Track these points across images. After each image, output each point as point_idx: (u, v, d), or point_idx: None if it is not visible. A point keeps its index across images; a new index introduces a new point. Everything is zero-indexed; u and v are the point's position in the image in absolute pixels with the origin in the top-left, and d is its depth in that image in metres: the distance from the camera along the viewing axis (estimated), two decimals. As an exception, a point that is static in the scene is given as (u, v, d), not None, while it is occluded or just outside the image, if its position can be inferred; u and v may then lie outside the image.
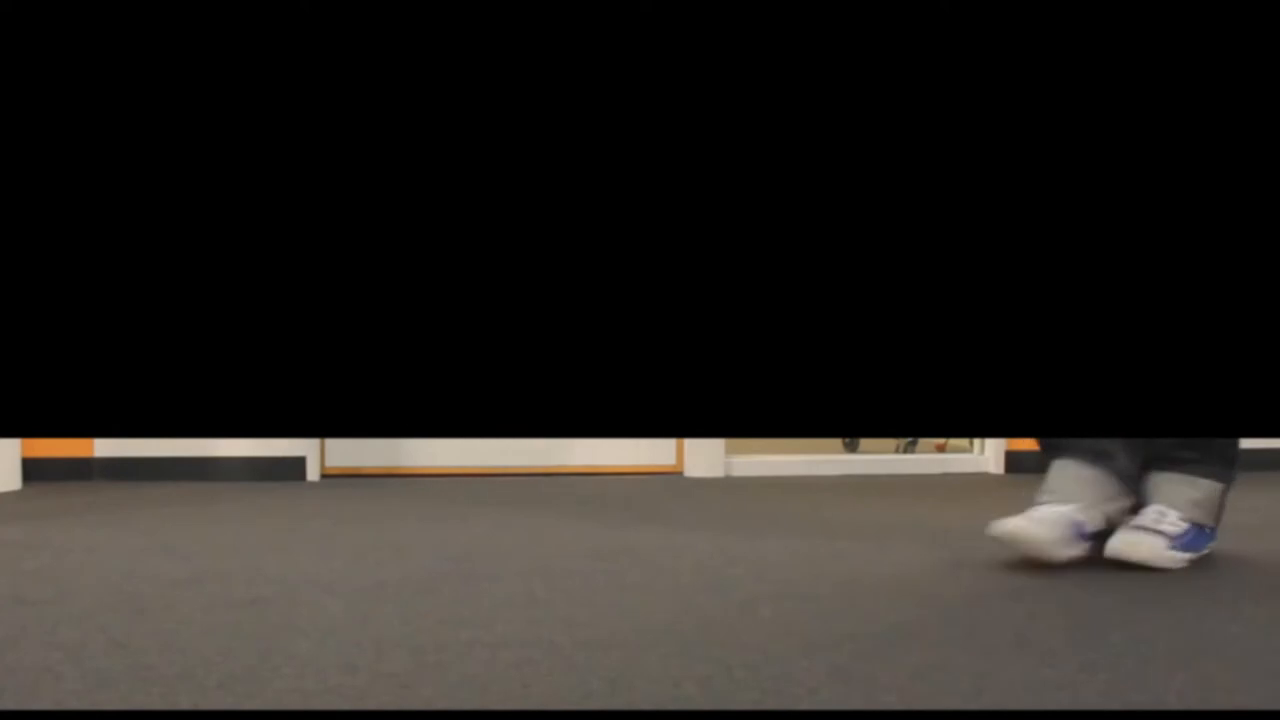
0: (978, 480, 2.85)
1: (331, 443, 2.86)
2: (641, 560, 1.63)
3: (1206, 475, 1.63)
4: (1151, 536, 1.55)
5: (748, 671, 1.04)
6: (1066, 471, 1.64)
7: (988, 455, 3.05)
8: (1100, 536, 1.59)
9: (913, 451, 3.51)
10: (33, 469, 2.68)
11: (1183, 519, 1.58)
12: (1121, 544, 1.56)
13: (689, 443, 2.93)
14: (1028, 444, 2.99)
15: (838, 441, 3.68)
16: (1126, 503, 1.64)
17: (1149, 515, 1.59)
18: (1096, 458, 1.63)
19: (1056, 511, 1.58)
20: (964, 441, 3.33)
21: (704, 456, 2.92)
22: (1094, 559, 1.65)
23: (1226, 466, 1.65)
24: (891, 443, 3.70)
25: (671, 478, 2.87)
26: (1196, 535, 1.59)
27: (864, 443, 3.65)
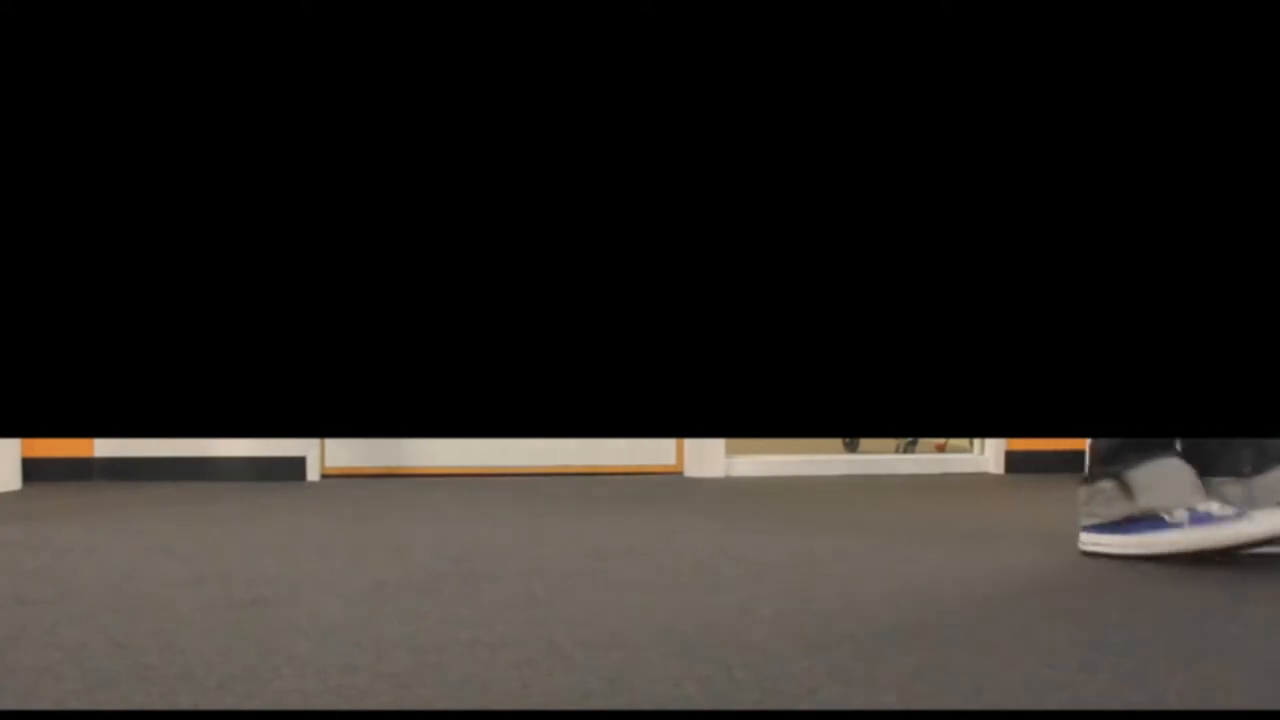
0: (978, 480, 2.85)
1: (331, 443, 2.86)
2: (641, 560, 1.63)
3: None
4: None
5: (748, 671, 1.04)
6: (1179, 469, 1.65)
7: (988, 455, 3.05)
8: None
9: (913, 451, 3.51)
10: (33, 469, 2.68)
11: None
12: None
13: (689, 443, 2.93)
14: (1028, 444, 2.99)
15: (838, 441, 3.69)
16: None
17: None
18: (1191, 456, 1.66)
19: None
20: (964, 441, 3.33)
21: (704, 456, 2.92)
22: (1094, 559, 1.65)
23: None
24: (891, 443, 3.70)
25: (671, 478, 2.87)
26: None
27: (864, 443, 3.66)
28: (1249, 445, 1.67)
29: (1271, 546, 1.58)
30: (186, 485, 2.63)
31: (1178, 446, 1.66)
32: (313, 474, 2.80)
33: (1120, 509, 1.64)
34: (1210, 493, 1.65)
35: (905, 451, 3.52)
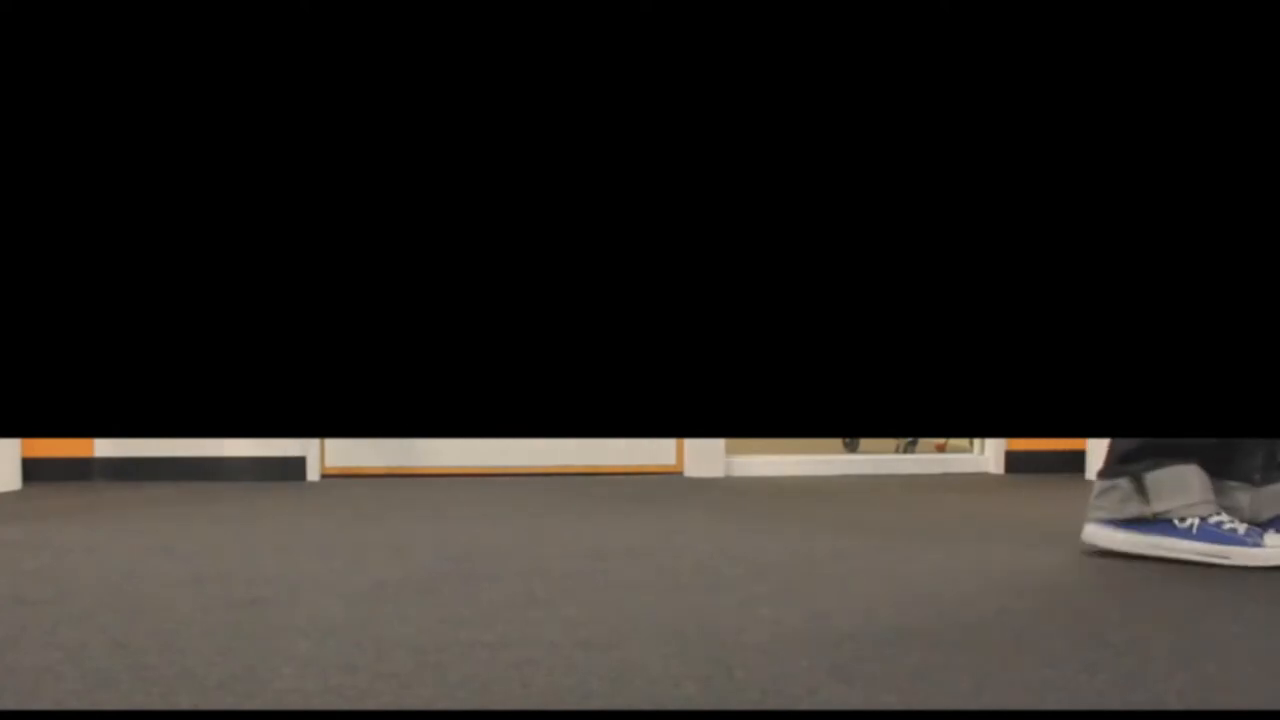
0: (978, 480, 2.85)
1: (331, 443, 2.86)
2: (641, 560, 1.63)
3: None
4: None
5: (748, 671, 1.04)
6: (1195, 478, 1.66)
7: (988, 455, 3.05)
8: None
9: (913, 451, 3.51)
10: (33, 469, 2.69)
11: None
12: None
13: (689, 443, 2.93)
14: (1028, 444, 2.99)
15: (838, 441, 3.69)
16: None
17: None
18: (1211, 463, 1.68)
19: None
20: (964, 441, 3.33)
21: (704, 456, 2.92)
22: (1095, 559, 1.65)
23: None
24: (891, 443, 3.70)
25: (671, 478, 2.87)
26: None
27: (864, 443, 3.66)
28: (1262, 451, 1.68)
29: None
30: (186, 485, 2.63)
31: (1196, 452, 1.67)
32: (313, 474, 2.80)
33: (1133, 509, 1.65)
34: (1221, 495, 1.66)
35: (905, 451, 3.52)
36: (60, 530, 1.94)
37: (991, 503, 2.37)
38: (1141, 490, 1.65)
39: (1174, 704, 0.95)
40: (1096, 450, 2.78)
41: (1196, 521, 1.62)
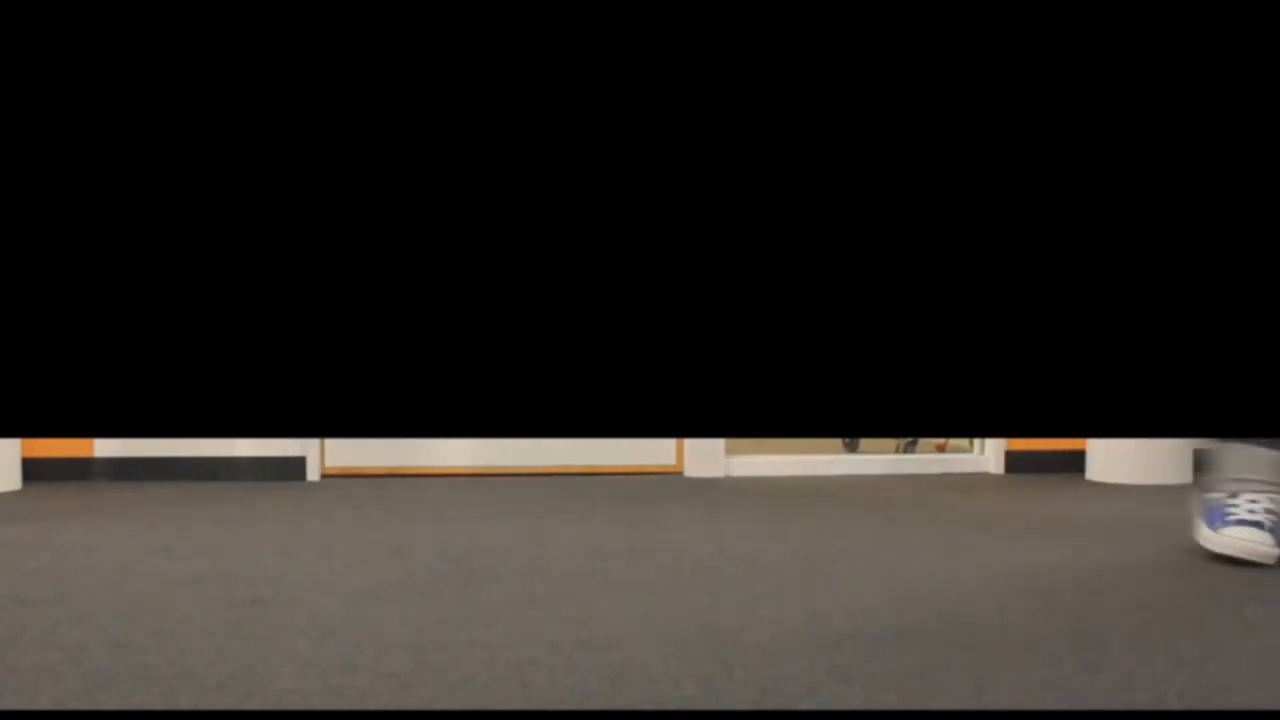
0: (978, 480, 2.85)
1: (331, 443, 2.86)
2: (641, 560, 1.63)
3: None
4: None
5: (748, 671, 1.04)
6: (1254, 456, 1.66)
7: (988, 455, 3.05)
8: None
9: (913, 451, 3.51)
10: (33, 469, 2.68)
11: None
12: None
13: (689, 443, 2.93)
14: (1028, 444, 2.99)
15: (838, 441, 3.68)
16: None
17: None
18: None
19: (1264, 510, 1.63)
20: (964, 441, 3.33)
21: (704, 456, 2.92)
22: (1089, 559, 1.65)
23: None
24: (891, 443, 3.70)
25: (671, 478, 2.87)
26: None
27: (864, 443, 3.65)
28: None
29: None
30: (186, 485, 2.63)
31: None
32: (313, 474, 2.80)
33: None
34: None
35: (905, 451, 3.52)
36: (60, 530, 1.94)
37: (991, 503, 2.37)
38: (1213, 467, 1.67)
39: (1174, 704, 0.95)
40: (1096, 450, 2.78)
41: (1222, 496, 1.64)
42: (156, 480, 2.72)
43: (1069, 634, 1.19)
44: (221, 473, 2.75)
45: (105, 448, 2.74)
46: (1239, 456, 1.65)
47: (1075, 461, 2.94)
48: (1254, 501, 1.62)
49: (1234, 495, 1.64)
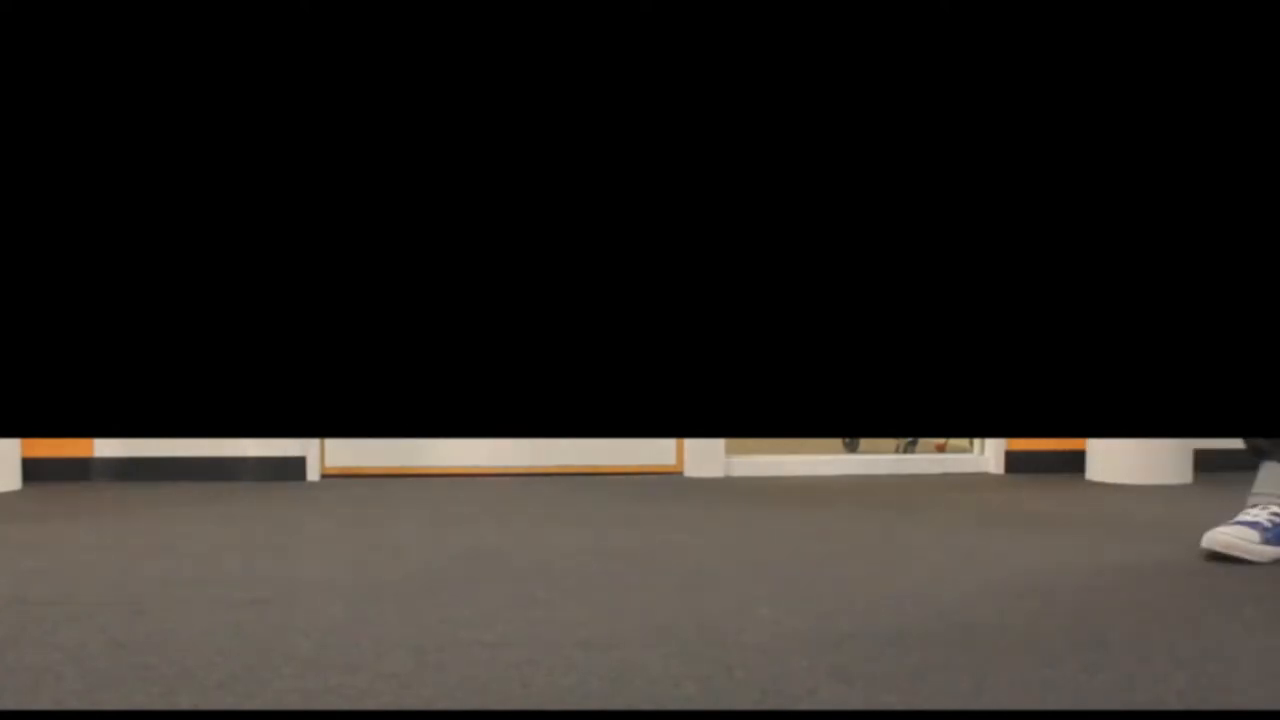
0: (978, 480, 2.85)
1: (331, 443, 2.86)
2: (641, 560, 1.63)
3: None
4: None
5: (748, 671, 1.04)
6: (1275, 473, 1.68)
7: (988, 455, 3.05)
8: None
9: (913, 451, 3.51)
10: (33, 469, 2.68)
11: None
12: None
13: (689, 443, 2.93)
14: (1028, 444, 2.99)
15: (838, 441, 3.68)
16: None
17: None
18: None
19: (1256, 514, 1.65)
20: (964, 441, 3.33)
21: (704, 456, 2.92)
22: (1089, 559, 1.65)
23: None
24: (891, 443, 3.70)
25: (671, 478, 2.87)
26: None
27: (864, 443, 3.65)
28: None
29: None
30: (186, 485, 2.63)
31: None
32: (313, 474, 2.80)
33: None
34: None
35: (905, 451, 3.52)
36: (60, 530, 1.94)
37: (991, 503, 2.37)
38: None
39: (1174, 704, 0.95)
40: (1096, 450, 2.78)
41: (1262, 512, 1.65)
42: (156, 480, 2.72)
43: (1069, 634, 1.19)
44: (221, 473, 2.75)
45: (105, 448, 2.74)
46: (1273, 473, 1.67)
47: (1075, 461, 2.94)
48: (1262, 509, 1.64)
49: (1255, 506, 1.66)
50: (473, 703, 0.95)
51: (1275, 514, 1.63)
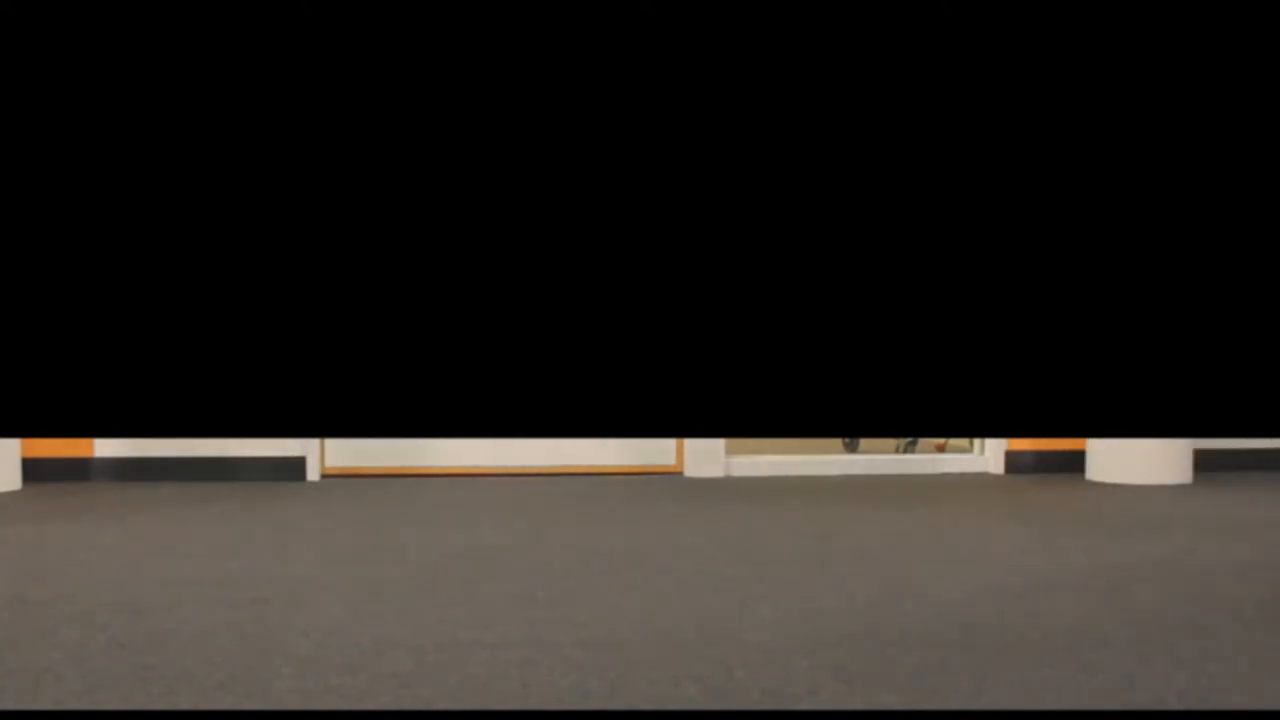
0: (978, 480, 2.85)
1: (331, 443, 2.86)
2: (642, 561, 1.63)
3: None
4: None
5: (748, 671, 1.04)
6: None
7: (988, 455, 3.05)
8: None
9: (913, 451, 3.51)
10: (33, 469, 2.68)
11: None
12: None
13: (689, 443, 2.93)
14: (1028, 444, 2.99)
15: (838, 441, 3.68)
16: None
17: None
18: None
19: None
20: (964, 441, 3.33)
21: (704, 456, 2.92)
22: (1088, 559, 1.65)
23: None
24: (891, 443, 3.70)
25: (671, 478, 2.87)
26: None
27: (864, 443, 3.65)
28: None
29: None
30: (186, 485, 2.63)
31: None
32: (313, 474, 2.80)
33: None
34: None
35: (905, 451, 3.52)
36: (60, 530, 1.94)
37: (991, 503, 2.37)
38: None
39: (1174, 704, 0.95)
40: (1096, 450, 2.78)
41: None
42: (156, 480, 2.72)
43: (1069, 634, 1.19)
44: (222, 473, 2.75)
45: (105, 448, 2.74)
46: None
47: (1075, 461, 2.94)
48: None
49: None
50: (473, 703, 0.95)
51: None
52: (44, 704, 0.95)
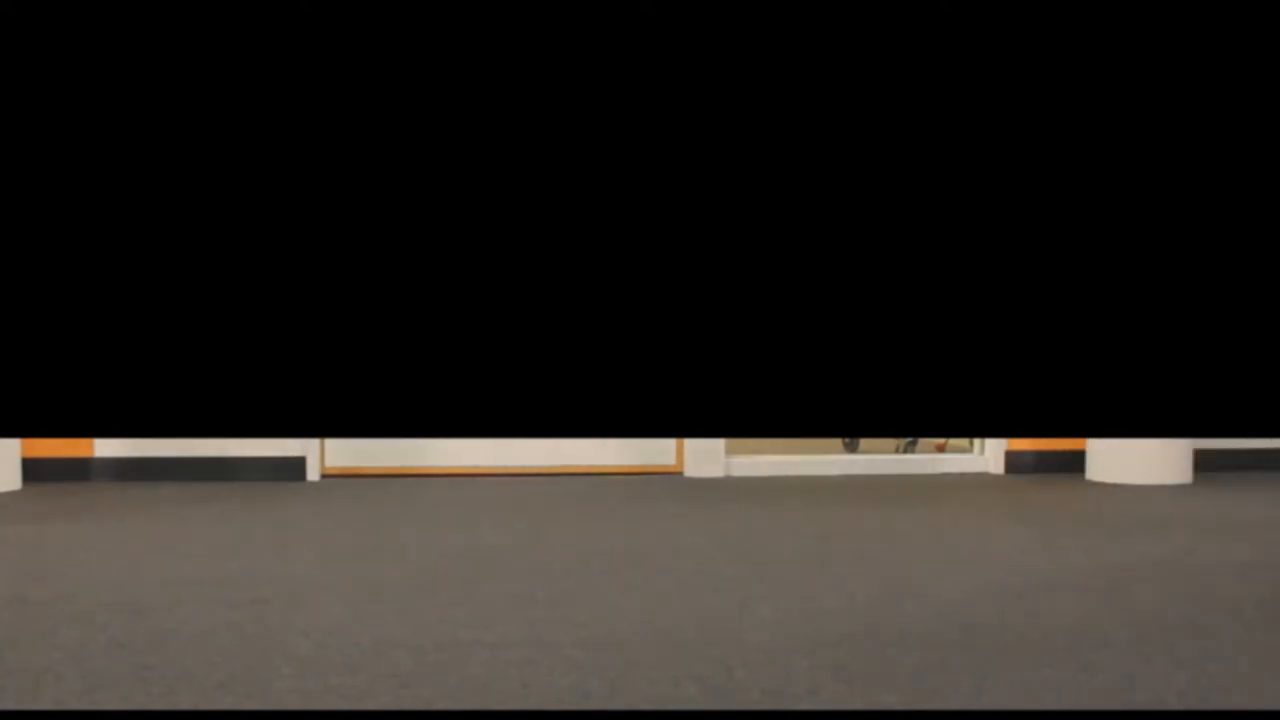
0: (978, 480, 2.85)
1: (331, 443, 2.86)
2: (641, 560, 1.63)
3: None
4: None
5: (748, 671, 1.04)
6: None
7: (988, 455, 3.05)
8: None
9: (913, 451, 3.51)
10: (33, 469, 2.68)
11: None
12: None
13: (689, 443, 2.93)
14: (1028, 444, 2.99)
15: (838, 441, 3.68)
16: None
17: None
18: None
19: None
20: (964, 441, 3.33)
21: (704, 456, 2.92)
22: (1088, 559, 1.65)
23: None
24: (891, 443, 3.70)
25: (671, 478, 2.87)
26: None
27: (864, 443, 3.65)
28: None
29: None
30: (186, 485, 2.63)
31: None
32: (313, 474, 2.80)
33: None
34: None
35: (905, 451, 3.52)
36: (60, 530, 1.94)
37: (991, 503, 2.37)
38: None
39: (1174, 704, 0.95)
40: (1096, 450, 2.78)
41: None
42: (156, 480, 2.72)
43: (1069, 634, 1.19)
44: (222, 473, 2.75)
45: (105, 448, 2.74)
46: None
47: (1075, 461, 2.94)
48: None
49: None
50: (473, 703, 0.95)
51: None
52: (44, 704, 0.95)
